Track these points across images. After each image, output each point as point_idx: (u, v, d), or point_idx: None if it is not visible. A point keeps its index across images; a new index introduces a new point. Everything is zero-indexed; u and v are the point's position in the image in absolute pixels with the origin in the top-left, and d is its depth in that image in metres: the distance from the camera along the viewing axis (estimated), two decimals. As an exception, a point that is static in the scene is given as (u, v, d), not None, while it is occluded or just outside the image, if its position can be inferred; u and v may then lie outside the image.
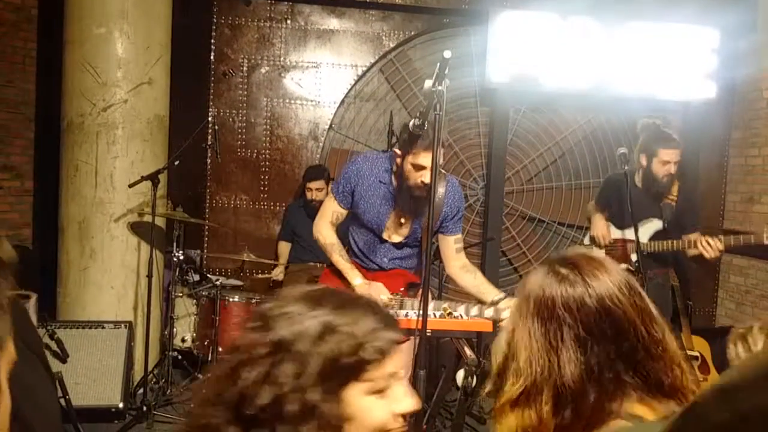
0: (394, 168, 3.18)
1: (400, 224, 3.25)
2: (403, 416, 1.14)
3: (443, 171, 3.46)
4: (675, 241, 4.05)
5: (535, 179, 6.01)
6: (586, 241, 4.59)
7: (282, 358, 1.06)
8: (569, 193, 6.00)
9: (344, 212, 3.31)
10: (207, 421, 1.08)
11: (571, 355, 1.24)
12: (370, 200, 3.21)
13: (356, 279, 3.17)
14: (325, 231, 3.31)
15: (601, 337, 1.24)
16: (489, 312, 2.98)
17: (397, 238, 3.28)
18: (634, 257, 4.20)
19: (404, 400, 1.14)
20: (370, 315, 1.12)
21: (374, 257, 3.30)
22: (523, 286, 1.37)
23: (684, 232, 4.17)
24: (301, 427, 1.04)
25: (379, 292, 3.13)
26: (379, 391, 1.11)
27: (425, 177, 2.96)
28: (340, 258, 3.25)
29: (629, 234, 4.21)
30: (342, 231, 3.40)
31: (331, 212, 3.31)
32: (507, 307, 3.02)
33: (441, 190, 3.18)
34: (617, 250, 4.32)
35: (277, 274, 5.30)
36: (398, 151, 3.07)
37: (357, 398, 1.08)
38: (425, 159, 2.92)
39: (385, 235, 3.26)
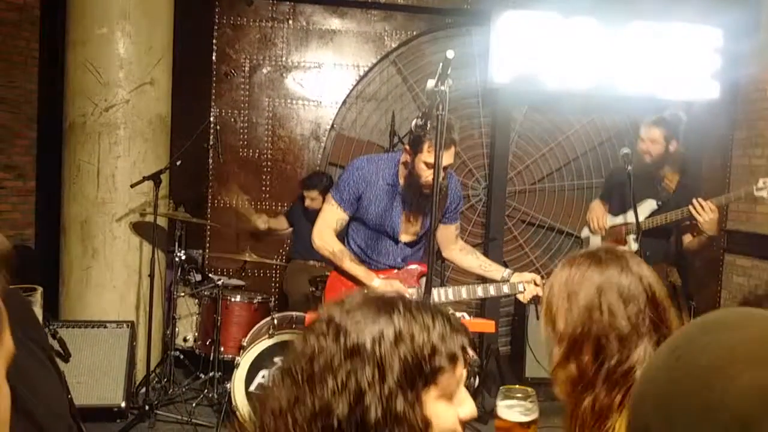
0: (402, 168, 3.20)
1: (410, 223, 3.28)
2: (463, 423, 1.12)
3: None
4: (669, 214, 4.00)
5: (537, 179, 6.00)
6: (584, 232, 4.59)
7: (361, 365, 1.02)
8: (572, 193, 5.99)
9: (347, 218, 3.28)
10: None
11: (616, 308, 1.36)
12: (380, 203, 3.20)
13: (374, 280, 3.18)
14: (329, 239, 3.26)
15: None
16: (505, 288, 3.14)
17: (407, 238, 3.31)
18: (631, 239, 4.19)
19: (468, 404, 1.12)
20: (439, 319, 1.09)
21: (387, 260, 3.31)
22: (569, 264, 1.44)
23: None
24: None
25: (397, 289, 3.16)
26: (450, 396, 1.09)
27: (427, 174, 2.99)
28: (352, 263, 3.23)
29: (627, 217, 4.20)
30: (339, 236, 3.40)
31: (334, 220, 3.26)
32: (520, 281, 3.14)
33: (444, 184, 3.20)
34: (614, 235, 4.31)
35: (261, 223, 5.37)
36: (408, 148, 3.07)
37: (432, 404, 1.06)
38: (431, 156, 2.95)
39: (401, 237, 3.29)
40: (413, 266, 3.34)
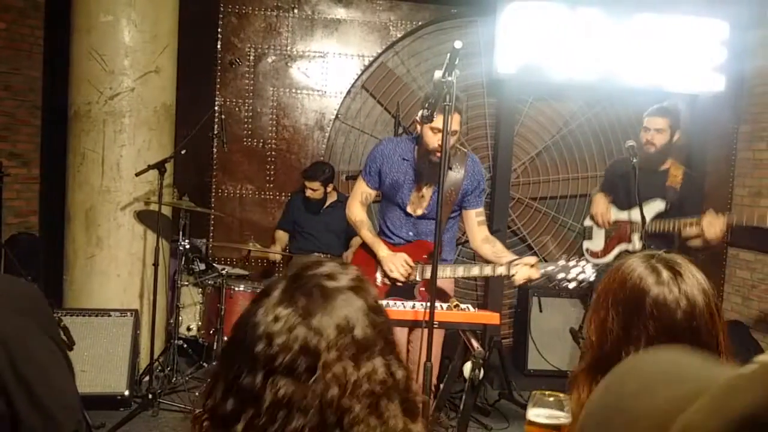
0: (416, 144, 3.39)
1: (421, 197, 3.42)
2: None
3: (463, 149, 3.69)
4: (676, 221, 4.01)
5: (541, 170, 5.99)
6: (587, 222, 4.58)
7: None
8: (575, 183, 5.98)
9: (373, 193, 3.56)
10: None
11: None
12: (394, 176, 3.41)
13: (382, 251, 3.39)
14: (355, 209, 3.53)
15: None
16: (501, 269, 3.24)
17: (419, 211, 3.44)
18: (635, 237, 4.20)
19: None
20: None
21: (399, 232, 3.47)
22: (618, 270, 1.42)
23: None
24: None
25: (402, 260, 3.33)
26: None
27: (435, 139, 3.17)
28: (368, 232, 3.47)
29: (632, 215, 4.21)
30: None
31: (360, 193, 3.53)
32: (518, 263, 3.21)
33: (460, 167, 3.38)
34: (618, 230, 4.31)
35: (275, 256, 5.37)
36: (418, 119, 3.15)
37: None
38: (440, 121, 3.02)
39: (409, 209, 3.43)
40: (423, 243, 3.44)
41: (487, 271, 3.31)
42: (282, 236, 5.43)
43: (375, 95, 5.85)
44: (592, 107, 5.96)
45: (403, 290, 3.33)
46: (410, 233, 3.45)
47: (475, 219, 3.47)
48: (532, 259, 3.25)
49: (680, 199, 4.11)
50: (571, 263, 3.21)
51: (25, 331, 1.12)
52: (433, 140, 3.19)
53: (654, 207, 4.16)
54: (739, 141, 5.90)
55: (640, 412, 0.59)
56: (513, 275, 3.18)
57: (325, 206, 5.26)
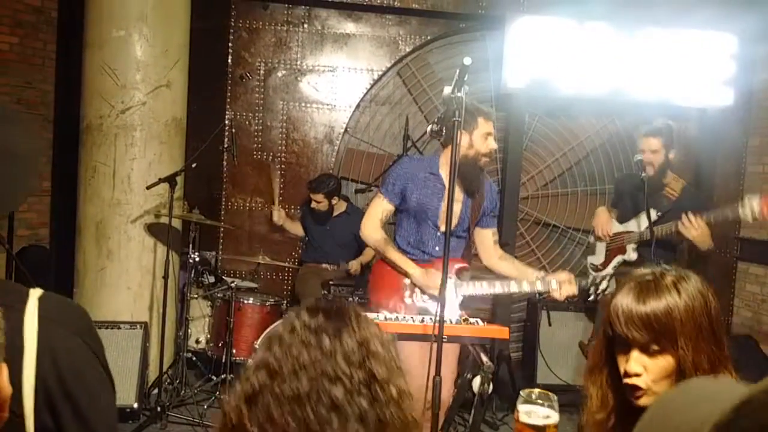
0: (443, 160, 3.38)
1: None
2: None
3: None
4: (662, 227, 4.02)
5: (551, 185, 5.99)
6: (591, 238, 4.62)
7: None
8: (585, 198, 5.98)
9: (392, 209, 3.51)
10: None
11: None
12: (422, 191, 3.38)
13: (412, 269, 3.34)
14: (374, 231, 3.45)
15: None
16: (539, 285, 3.28)
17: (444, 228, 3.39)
18: (629, 247, 4.23)
19: None
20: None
21: (426, 248, 3.44)
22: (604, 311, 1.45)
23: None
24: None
25: (436, 277, 3.23)
26: None
27: (492, 143, 3.32)
28: (394, 251, 3.42)
29: (629, 226, 4.25)
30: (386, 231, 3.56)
31: (380, 211, 3.47)
32: (555, 279, 3.27)
33: (482, 186, 3.49)
34: (617, 242, 4.34)
35: (276, 215, 5.41)
36: (463, 131, 3.20)
37: None
38: (490, 126, 3.30)
39: (439, 224, 3.41)
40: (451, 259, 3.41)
41: (526, 287, 3.33)
42: (297, 227, 5.52)
43: (384, 109, 5.87)
44: (601, 121, 5.96)
45: (434, 305, 3.32)
46: (437, 248, 3.44)
47: (491, 238, 3.54)
48: (567, 275, 3.30)
49: (674, 209, 4.11)
50: (599, 279, 3.36)
51: (74, 349, 1.16)
52: (485, 145, 3.30)
53: (648, 216, 4.18)
54: (748, 155, 5.89)
55: (680, 422, 0.64)
56: (553, 290, 3.27)
57: (332, 217, 5.29)
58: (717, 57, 5.63)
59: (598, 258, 4.50)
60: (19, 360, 1.06)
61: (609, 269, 4.33)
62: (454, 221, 3.39)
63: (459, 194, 3.39)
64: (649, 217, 3.95)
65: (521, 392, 1.57)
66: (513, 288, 3.33)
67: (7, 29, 5.30)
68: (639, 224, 4.20)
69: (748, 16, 5.44)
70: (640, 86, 5.57)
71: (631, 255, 4.25)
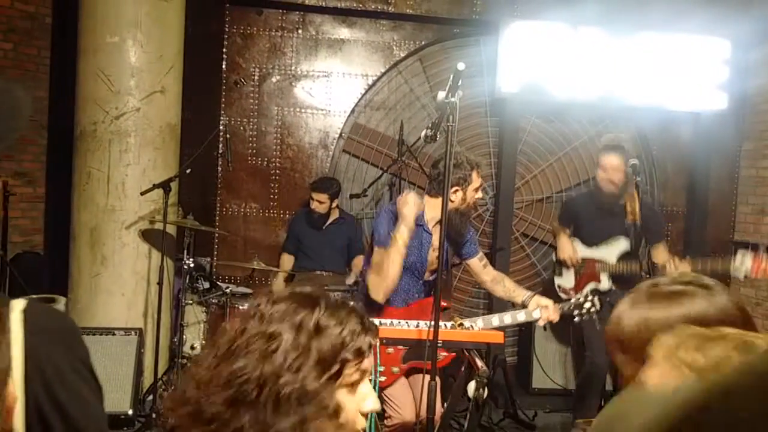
0: (427, 209, 3.36)
1: (435, 261, 3.32)
2: (365, 416, 1.27)
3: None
4: (642, 262, 4.11)
5: (545, 189, 6.00)
6: (554, 257, 4.67)
7: (280, 347, 1.17)
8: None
9: None
10: (202, 401, 1.18)
11: None
12: (413, 244, 3.28)
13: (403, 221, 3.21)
14: (395, 274, 3.26)
15: None
16: (521, 316, 3.30)
17: (427, 276, 3.46)
18: (603, 277, 4.29)
19: (371, 399, 1.27)
20: (354, 318, 1.25)
21: (408, 295, 3.41)
22: (610, 327, 1.37)
23: (649, 243, 4.26)
24: (298, 410, 1.15)
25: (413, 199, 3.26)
26: (353, 387, 1.24)
27: (479, 193, 3.38)
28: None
29: (598, 253, 4.29)
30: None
31: None
32: (536, 307, 3.29)
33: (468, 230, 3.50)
34: (586, 267, 4.37)
35: (278, 283, 5.28)
36: (458, 188, 3.27)
37: (338, 391, 1.21)
38: (480, 179, 3.36)
39: (426, 275, 3.43)
40: (426, 301, 3.39)
41: (508, 320, 3.33)
42: (287, 260, 5.42)
43: (378, 113, 5.88)
44: (594, 125, 5.98)
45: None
46: (422, 294, 3.43)
47: (479, 264, 3.55)
48: (547, 301, 3.31)
49: (642, 229, 4.19)
50: (581, 299, 3.42)
51: (59, 357, 1.16)
52: (474, 196, 3.35)
53: (618, 246, 4.24)
54: (743, 159, 5.92)
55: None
56: (537, 320, 3.31)
57: (327, 223, 5.28)
58: (710, 61, 5.66)
59: (567, 281, 4.54)
60: (6, 374, 1.06)
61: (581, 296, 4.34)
62: (435, 265, 3.31)
63: (449, 237, 3.36)
64: (635, 238, 4.03)
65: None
66: (494, 323, 3.31)
67: (1, 35, 5.30)
68: (610, 252, 4.26)
69: (741, 20, 5.46)
70: (633, 91, 5.59)
71: (605, 284, 4.32)
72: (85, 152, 4.65)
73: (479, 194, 3.39)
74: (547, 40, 5.47)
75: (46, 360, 1.13)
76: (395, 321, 3.10)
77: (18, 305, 1.15)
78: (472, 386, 2.77)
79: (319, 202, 5.17)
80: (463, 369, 3.09)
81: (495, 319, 3.31)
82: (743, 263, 3.75)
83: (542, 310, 3.28)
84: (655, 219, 4.38)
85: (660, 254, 4.24)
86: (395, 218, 3.26)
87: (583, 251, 4.43)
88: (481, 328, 3.19)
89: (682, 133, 5.97)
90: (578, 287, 4.43)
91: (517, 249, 5.97)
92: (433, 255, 3.36)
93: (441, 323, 2.72)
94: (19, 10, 5.36)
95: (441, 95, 2.53)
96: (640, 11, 5.58)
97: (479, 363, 2.81)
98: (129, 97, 4.58)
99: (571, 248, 4.44)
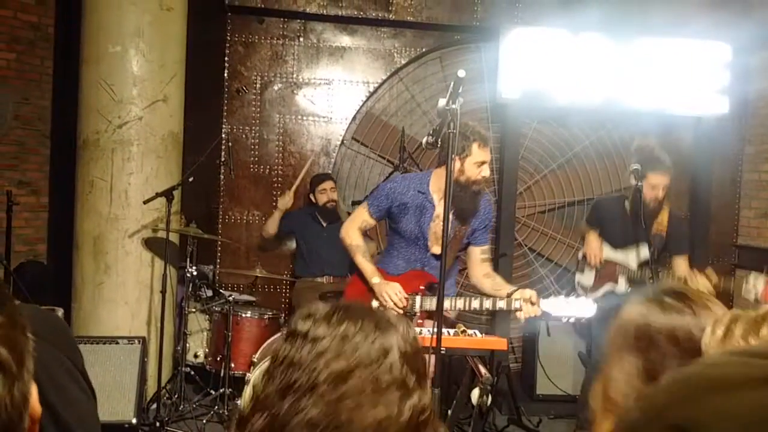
0: (434, 179, 3.39)
1: (440, 235, 3.36)
2: None
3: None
4: (661, 273, 4.10)
5: (547, 194, 6.00)
6: (580, 255, 4.63)
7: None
8: (581, 208, 5.98)
9: (372, 223, 3.59)
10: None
11: None
12: (411, 211, 3.38)
13: (375, 278, 3.36)
14: (353, 233, 3.51)
15: None
16: (501, 303, 3.25)
17: (437, 249, 3.39)
18: (621, 279, 4.28)
19: None
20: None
21: (410, 265, 3.45)
22: (619, 317, 1.34)
23: (671, 255, 4.25)
24: None
25: (396, 289, 3.30)
26: None
27: (485, 171, 3.30)
28: (362, 259, 3.45)
29: (621, 256, 4.28)
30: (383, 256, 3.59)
31: (361, 220, 3.54)
32: (519, 298, 3.24)
33: (479, 205, 3.44)
34: (607, 268, 4.36)
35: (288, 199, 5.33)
36: (457, 156, 3.19)
37: None
38: (485, 154, 3.29)
39: (429, 245, 3.41)
40: (419, 273, 3.43)
41: (487, 304, 3.29)
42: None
43: (379, 122, 5.89)
44: (596, 131, 5.98)
45: None
46: (426, 268, 3.44)
47: (479, 256, 3.54)
48: (530, 293, 3.26)
49: (666, 240, 4.18)
50: (571, 299, 3.32)
51: (49, 359, 1.15)
52: (475, 172, 3.29)
53: (641, 253, 4.23)
54: (745, 162, 5.91)
55: None
56: (517, 310, 3.23)
57: (330, 222, 5.21)
58: (711, 66, 5.66)
59: (587, 279, 4.52)
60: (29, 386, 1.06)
61: (597, 294, 4.32)
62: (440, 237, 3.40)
63: (458, 210, 3.36)
64: (649, 243, 4.01)
65: None
66: (474, 305, 3.29)
67: (4, 45, 5.32)
68: (632, 257, 4.25)
69: (741, 25, 5.47)
70: (634, 95, 5.59)
71: (622, 287, 4.31)
72: (88, 161, 4.67)
73: (486, 172, 3.33)
74: (547, 46, 5.48)
75: (39, 364, 1.13)
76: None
77: None
78: (476, 393, 2.76)
79: (332, 189, 5.21)
80: (466, 376, 3.09)
81: (476, 302, 3.30)
82: (755, 286, 3.76)
83: (523, 303, 3.22)
84: (680, 230, 4.35)
85: (680, 266, 4.22)
86: (397, 198, 3.39)
87: (608, 253, 4.40)
88: (460, 309, 3.24)
89: (684, 137, 5.97)
90: (595, 287, 4.41)
91: (519, 254, 5.96)
92: (437, 226, 3.35)
93: (444, 330, 2.72)
94: (22, 20, 5.39)
95: (442, 102, 2.54)
96: (641, 16, 5.59)
97: (483, 370, 2.81)
98: (131, 106, 4.59)
99: (598, 246, 4.41)
